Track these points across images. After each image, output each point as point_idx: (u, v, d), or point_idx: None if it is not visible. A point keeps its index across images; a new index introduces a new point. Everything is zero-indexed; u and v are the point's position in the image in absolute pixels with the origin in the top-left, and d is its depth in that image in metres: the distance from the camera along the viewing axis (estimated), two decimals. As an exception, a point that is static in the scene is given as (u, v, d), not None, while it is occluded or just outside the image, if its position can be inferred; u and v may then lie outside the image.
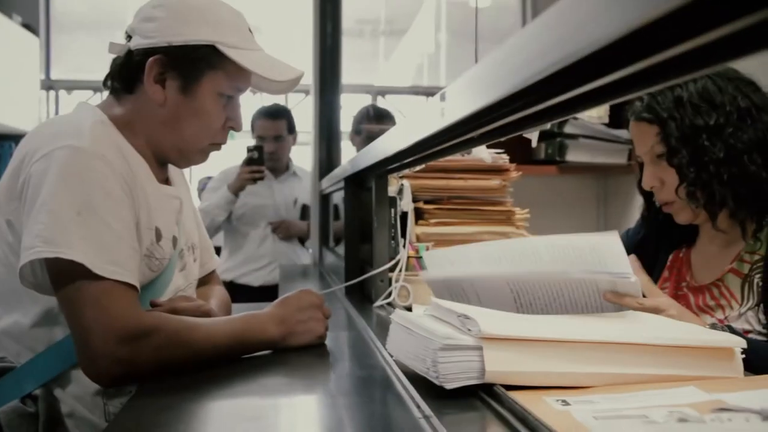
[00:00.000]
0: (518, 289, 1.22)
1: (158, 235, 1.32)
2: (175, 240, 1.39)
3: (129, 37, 1.35)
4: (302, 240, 3.73)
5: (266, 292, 3.51)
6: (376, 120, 3.61)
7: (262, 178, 3.43)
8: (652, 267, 1.59)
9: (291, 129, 3.69)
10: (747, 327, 1.37)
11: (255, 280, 3.59)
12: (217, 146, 1.43)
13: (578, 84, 0.62)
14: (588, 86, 0.61)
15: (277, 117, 3.65)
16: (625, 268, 1.16)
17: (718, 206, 1.41)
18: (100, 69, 1.43)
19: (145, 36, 1.32)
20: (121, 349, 1.12)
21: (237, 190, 3.42)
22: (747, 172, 1.37)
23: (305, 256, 3.77)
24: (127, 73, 1.35)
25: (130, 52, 1.34)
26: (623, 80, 0.57)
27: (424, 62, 7.58)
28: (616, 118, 2.72)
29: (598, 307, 1.20)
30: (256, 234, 3.62)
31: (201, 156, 1.43)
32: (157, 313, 1.21)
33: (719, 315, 1.43)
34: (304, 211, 3.69)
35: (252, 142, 3.58)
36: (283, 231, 3.63)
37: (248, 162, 3.40)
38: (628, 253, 1.64)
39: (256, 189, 3.52)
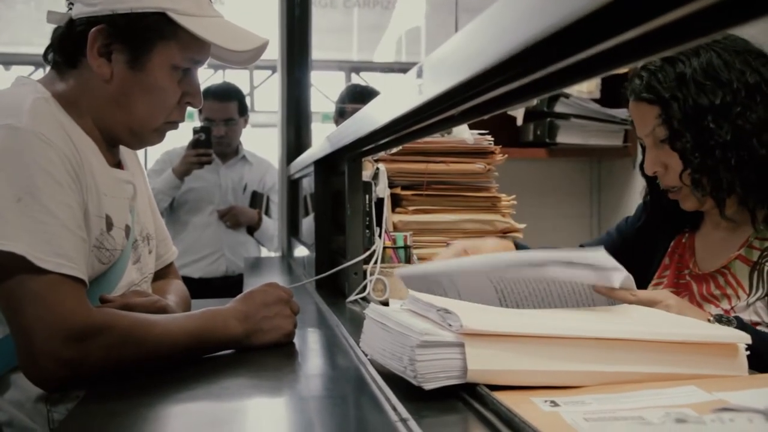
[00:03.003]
0: (502, 287, 1.22)
1: (109, 224, 1.31)
2: (128, 229, 1.38)
3: (71, 5, 1.33)
4: (251, 230, 3.72)
5: (206, 285, 3.51)
6: (361, 99, 3.60)
7: (209, 162, 3.43)
8: (652, 254, 1.60)
9: (242, 111, 3.68)
10: (755, 318, 1.37)
11: (194, 271, 3.57)
12: (173, 125, 1.42)
13: (570, 53, 0.61)
14: (581, 55, 0.60)
15: (227, 98, 3.63)
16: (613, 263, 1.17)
17: (725, 193, 1.41)
18: (42, 42, 1.40)
19: (87, 3, 1.30)
20: (68, 349, 1.10)
21: (182, 174, 3.41)
22: (756, 156, 1.36)
23: (254, 247, 3.76)
24: (68, 45, 1.33)
25: (71, 22, 1.31)
26: (619, 48, 0.56)
27: (403, 36, 7.55)
28: (610, 95, 2.72)
29: (590, 301, 1.20)
30: (198, 221, 3.61)
31: (156, 136, 1.41)
32: (108, 310, 1.20)
33: (725, 305, 1.43)
34: (254, 199, 3.69)
35: (198, 123, 3.56)
36: (231, 218, 3.63)
37: (194, 144, 3.39)
38: (629, 242, 1.65)
39: (201, 173, 3.51)
